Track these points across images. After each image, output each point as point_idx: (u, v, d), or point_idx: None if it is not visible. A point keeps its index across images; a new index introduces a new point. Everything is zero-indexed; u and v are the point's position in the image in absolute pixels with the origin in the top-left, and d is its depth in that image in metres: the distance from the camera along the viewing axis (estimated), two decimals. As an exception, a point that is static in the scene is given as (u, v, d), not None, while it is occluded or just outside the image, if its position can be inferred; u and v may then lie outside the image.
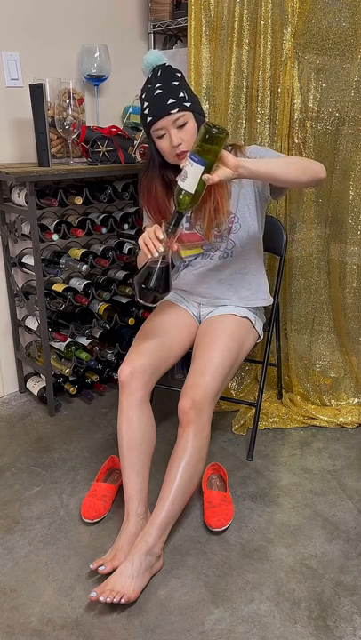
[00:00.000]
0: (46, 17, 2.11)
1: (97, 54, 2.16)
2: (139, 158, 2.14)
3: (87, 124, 2.21)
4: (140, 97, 1.59)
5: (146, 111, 1.56)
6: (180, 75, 1.58)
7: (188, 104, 1.55)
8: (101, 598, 1.28)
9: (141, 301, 1.47)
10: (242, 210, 1.66)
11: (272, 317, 1.98)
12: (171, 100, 1.52)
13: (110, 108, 2.38)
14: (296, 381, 2.19)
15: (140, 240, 1.45)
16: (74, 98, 1.98)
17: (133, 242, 2.26)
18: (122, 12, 2.34)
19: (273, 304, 1.98)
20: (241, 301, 1.74)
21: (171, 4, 2.29)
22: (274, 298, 1.97)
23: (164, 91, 1.53)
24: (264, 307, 1.83)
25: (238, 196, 1.65)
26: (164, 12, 2.31)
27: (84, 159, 2.16)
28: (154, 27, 2.38)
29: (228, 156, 1.35)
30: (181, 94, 1.54)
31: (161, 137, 1.57)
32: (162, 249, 1.40)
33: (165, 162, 1.63)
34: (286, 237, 1.99)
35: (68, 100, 1.97)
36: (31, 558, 1.48)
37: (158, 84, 1.54)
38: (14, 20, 2.03)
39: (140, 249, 1.57)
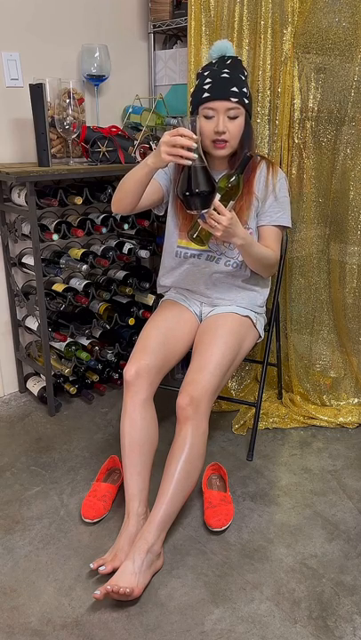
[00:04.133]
0: (46, 17, 2.11)
1: (97, 54, 2.16)
2: (139, 158, 2.14)
3: (87, 124, 2.21)
4: (201, 73, 1.60)
5: (205, 87, 1.55)
6: (246, 73, 1.61)
7: (247, 101, 1.57)
8: (108, 587, 1.27)
9: (194, 211, 1.41)
10: (253, 226, 1.69)
11: (272, 317, 1.98)
12: (235, 89, 1.54)
13: (110, 108, 2.38)
14: (296, 381, 2.19)
15: (166, 154, 1.34)
16: (74, 98, 1.98)
17: (133, 242, 2.26)
18: (122, 12, 2.34)
19: (273, 304, 1.99)
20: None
21: (171, 4, 2.29)
22: (274, 298, 1.98)
23: (232, 77, 1.54)
24: (265, 307, 1.84)
25: (255, 211, 1.69)
26: (164, 12, 2.31)
27: (84, 159, 2.16)
28: (154, 27, 2.38)
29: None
30: (245, 89, 1.57)
31: (208, 117, 1.56)
32: (196, 145, 1.33)
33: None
34: (286, 237, 1.99)
35: (68, 100, 1.96)
36: (31, 558, 1.48)
37: (226, 70, 1.55)
38: (14, 19, 2.03)
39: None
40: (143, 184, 1.52)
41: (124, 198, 1.58)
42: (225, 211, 1.43)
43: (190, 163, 1.34)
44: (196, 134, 1.34)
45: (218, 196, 1.45)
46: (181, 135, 1.32)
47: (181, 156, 1.33)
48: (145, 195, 1.59)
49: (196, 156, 1.34)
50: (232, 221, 1.45)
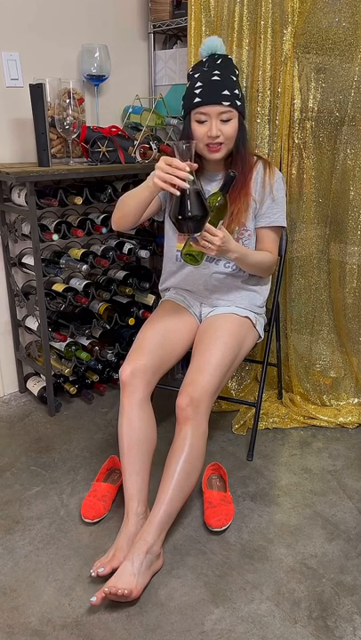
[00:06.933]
0: (46, 17, 2.11)
1: (97, 54, 2.16)
2: (139, 158, 2.14)
3: (87, 124, 2.21)
4: (191, 74, 1.58)
5: (196, 91, 1.54)
6: (237, 72, 1.60)
7: (239, 103, 1.56)
8: (106, 589, 1.27)
9: (186, 234, 1.41)
10: (250, 227, 1.68)
11: (272, 317, 1.98)
12: (226, 92, 1.52)
13: (110, 108, 2.38)
14: (296, 381, 2.19)
15: (159, 180, 1.36)
16: (74, 98, 1.98)
17: (133, 242, 2.26)
18: (122, 12, 2.34)
19: (273, 304, 1.98)
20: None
21: (171, 4, 2.29)
22: (274, 298, 1.98)
23: (222, 80, 1.53)
24: (265, 307, 1.84)
25: (253, 213, 1.68)
26: (164, 12, 2.31)
27: (84, 159, 2.16)
28: (154, 27, 2.38)
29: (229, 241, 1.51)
30: (236, 91, 1.55)
31: (201, 122, 1.56)
32: (191, 177, 1.34)
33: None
34: (286, 237, 1.99)
35: (68, 100, 1.96)
36: (31, 558, 1.48)
37: (217, 71, 1.54)
38: (14, 19, 2.03)
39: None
40: (146, 204, 1.53)
41: (125, 217, 1.59)
42: (216, 231, 1.45)
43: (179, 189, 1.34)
44: (190, 159, 1.34)
45: (207, 219, 1.45)
46: (175, 167, 1.33)
47: (174, 185, 1.34)
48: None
49: (187, 185, 1.33)
50: (224, 239, 1.46)
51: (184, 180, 1.33)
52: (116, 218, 1.62)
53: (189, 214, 1.35)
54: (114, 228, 1.66)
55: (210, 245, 1.45)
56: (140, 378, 1.54)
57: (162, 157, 1.37)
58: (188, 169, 1.33)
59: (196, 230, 1.40)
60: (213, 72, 1.54)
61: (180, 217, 1.36)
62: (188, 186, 1.33)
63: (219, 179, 1.69)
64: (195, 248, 1.50)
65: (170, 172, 1.33)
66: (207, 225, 1.43)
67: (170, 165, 1.34)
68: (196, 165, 1.36)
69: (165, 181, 1.34)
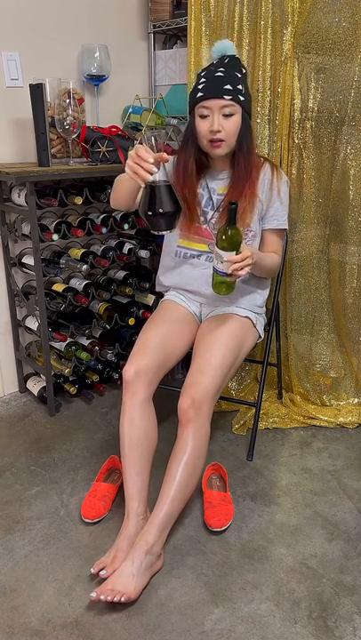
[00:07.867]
0: (46, 17, 2.11)
1: (97, 54, 2.16)
2: (139, 158, 2.14)
3: (87, 124, 2.21)
4: (199, 74, 1.59)
5: (199, 86, 1.55)
6: (244, 71, 1.59)
7: (242, 98, 1.55)
8: (102, 597, 1.28)
9: (157, 232, 1.33)
10: (256, 228, 1.69)
11: (272, 317, 1.98)
12: (228, 86, 1.52)
13: (110, 108, 2.38)
14: (296, 381, 2.19)
15: (128, 170, 1.30)
16: (74, 98, 1.98)
17: (133, 242, 2.26)
18: (122, 11, 2.34)
19: (273, 304, 1.98)
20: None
21: (171, 4, 2.29)
22: (274, 298, 1.98)
23: (225, 76, 1.53)
24: (265, 307, 1.84)
25: (259, 215, 1.69)
26: (164, 12, 2.31)
27: (84, 159, 2.16)
28: (154, 27, 2.38)
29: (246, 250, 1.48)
30: (240, 86, 1.54)
31: (203, 117, 1.56)
32: (155, 169, 1.26)
33: (200, 147, 1.62)
34: (286, 237, 1.99)
35: (68, 100, 1.96)
36: (31, 558, 1.48)
37: (222, 68, 1.54)
38: (14, 19, 2.03)
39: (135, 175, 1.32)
40: (131, 192, 1.53)
41: (119, 198, 1.61)
42: (244, 253, 1.44)
43: (146, 183, 1.28)
44: (158, 150, 1.28)
45: (232, 253, 1.43)
46: (139, 157, 1.28)
47: (140, 176, 1.28)
48: None
49: (150, 178, 1.26)
50: (253, 253, 1.47)
51: (149, 173, 1.26)
52: (112, 197, 1.65)
53: (160, 211, 1.27)
54: (111, 205, 1.68)
55: (247, 269, 1.45)
56: (143, 378, 1.54)
57: (136, 146, 1.31)
58: (151, 160, 1.26)
59: (168, 228, 1.32)
60: (218, 69, 1.55)
61: (149, 213, 1.29)
62: (150, 178, 1.26)
63: (223, 177, 1.68)
64: (230, 280, 1.48)
65: (137, 162, 1.28)
66: (233, 257, 1.42)
67: (138, 156, 1.28)
68: (167, 158, 1.28)
69: (134, 172, 1.29)
